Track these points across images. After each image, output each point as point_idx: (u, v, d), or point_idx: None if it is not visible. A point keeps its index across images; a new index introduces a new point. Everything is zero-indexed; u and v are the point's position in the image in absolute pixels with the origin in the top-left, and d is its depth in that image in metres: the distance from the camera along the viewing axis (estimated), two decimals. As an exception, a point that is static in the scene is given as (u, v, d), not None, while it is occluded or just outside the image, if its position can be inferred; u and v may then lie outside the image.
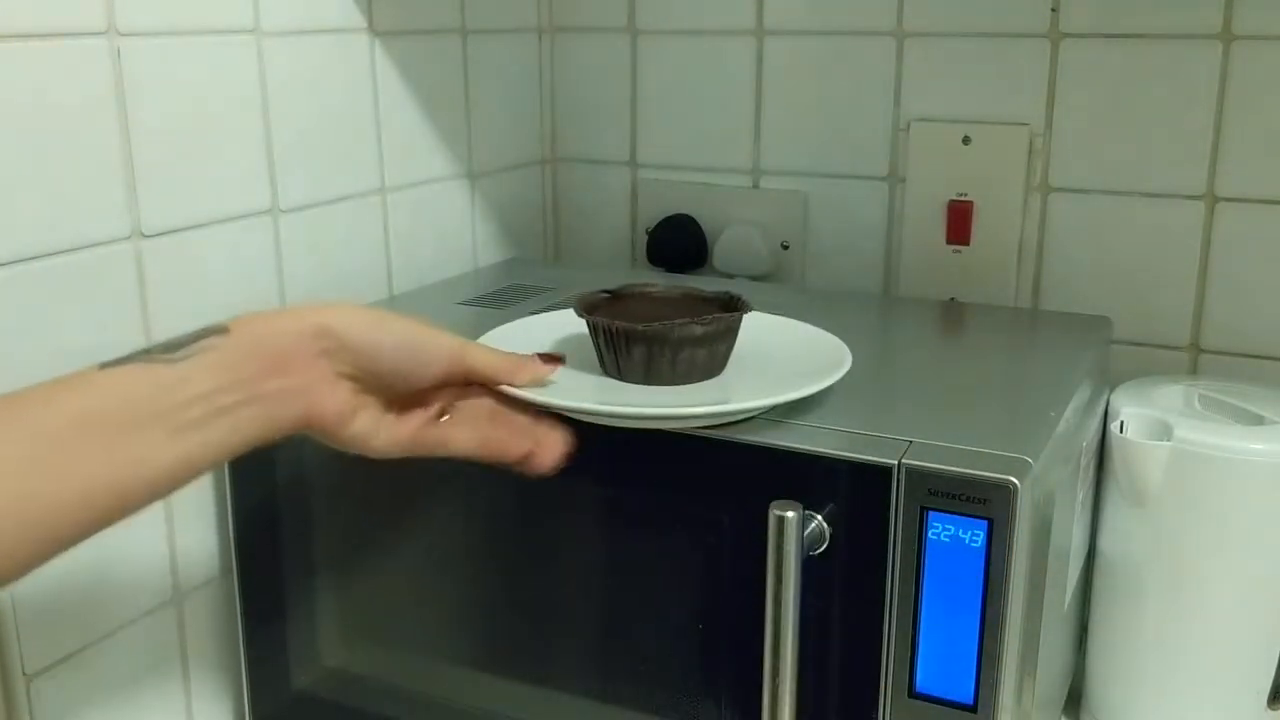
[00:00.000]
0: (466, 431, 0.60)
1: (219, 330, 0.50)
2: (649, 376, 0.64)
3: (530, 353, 0.63)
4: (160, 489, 0.48)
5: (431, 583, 0.74)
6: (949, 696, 0.57)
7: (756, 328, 0.72)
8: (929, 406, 0.66)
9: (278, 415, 0.51)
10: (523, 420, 0.61)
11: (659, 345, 0.64)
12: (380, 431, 0.56)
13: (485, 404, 0.61)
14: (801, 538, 0.56)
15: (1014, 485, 0.54)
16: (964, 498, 0.55)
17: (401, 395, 0.57)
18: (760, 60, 1.02)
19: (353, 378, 0.54)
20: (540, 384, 0.62)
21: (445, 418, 0.60)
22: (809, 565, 0.57)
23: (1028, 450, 0.57)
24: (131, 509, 0.48)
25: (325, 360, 0.53)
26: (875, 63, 0.97)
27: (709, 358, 0.65)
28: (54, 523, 0.46)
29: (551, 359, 0.63)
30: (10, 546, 0.44)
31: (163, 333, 0.73)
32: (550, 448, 0.61)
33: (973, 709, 0.57)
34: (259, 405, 0.50)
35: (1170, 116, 0.88)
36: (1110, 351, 0.87)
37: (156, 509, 0.76)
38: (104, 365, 0.48)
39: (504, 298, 0.89)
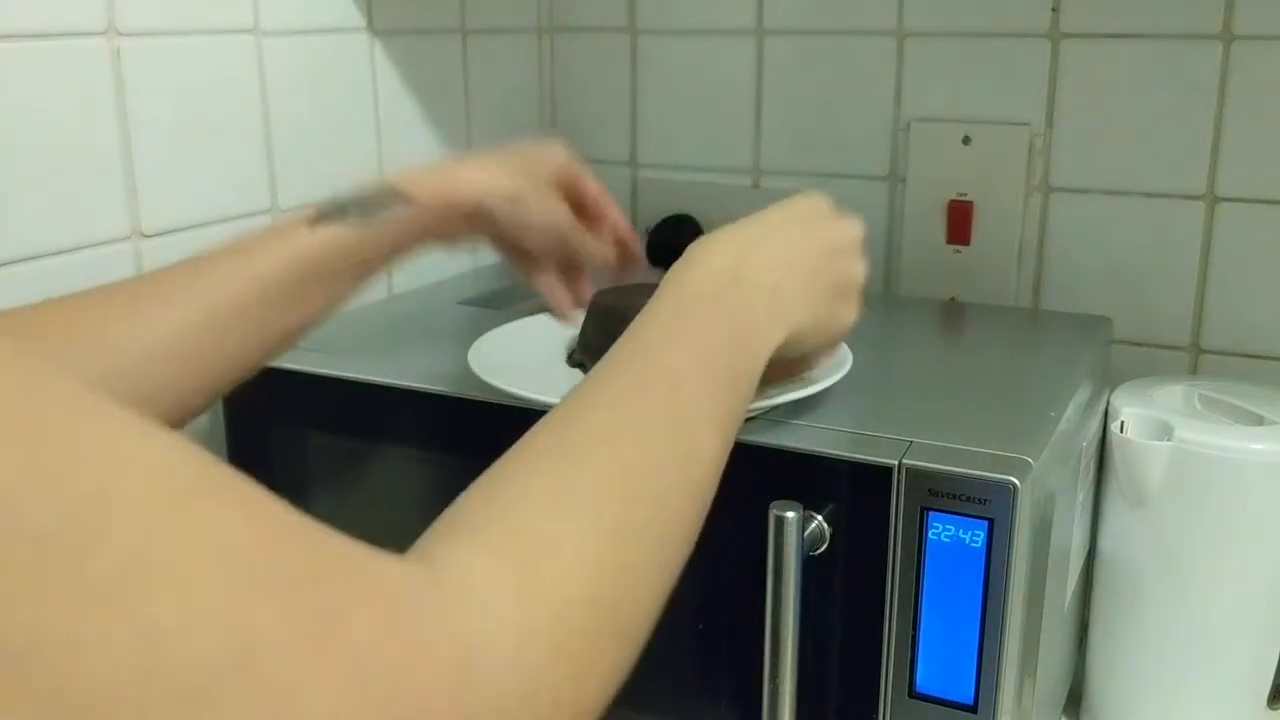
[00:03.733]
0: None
1: (406, 199, 0.62)
2: None
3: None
4: (338, 309, 0.63)
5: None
6: (949, 696, 0.57)
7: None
8: (929, 407, 0.66)
9: (436, 246, 0.67)
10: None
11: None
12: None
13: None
14: (801, 538, 0.56)
15: (1014, 485, 0.54)
16: (964, 498, 0.55)
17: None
18: (760, 60, 1.02)
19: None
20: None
21: None
22: (809, 565, 0.57)
23: (1028, 450, 0.57)
24: (308, 331, 0.62)
25: (471, 225, 0.67)
26: (875, 63, 0.97)
27: None
28: (271, 346, 0.59)
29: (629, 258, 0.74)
30: (244, 360, 0.58)
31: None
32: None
33: (973, 709, 0.57)
34: (423, 248, 0.66)
35: (1170, 116, 0.88)
36: (1110, 351, 0.87)
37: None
38: (312, 223, 0.59)
39: (504, 298, 0.89)
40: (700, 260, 0.54)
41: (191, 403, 0.57)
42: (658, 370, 0.47)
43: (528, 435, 0.42)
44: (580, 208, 0.71)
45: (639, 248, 0.75)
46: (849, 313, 0.60)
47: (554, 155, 0.70)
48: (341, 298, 0.62)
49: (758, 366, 0.51)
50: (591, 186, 0.71)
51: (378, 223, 0.61)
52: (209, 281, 0.57)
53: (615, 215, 0.73)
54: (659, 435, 0.44)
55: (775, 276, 0.54)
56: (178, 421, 0.58)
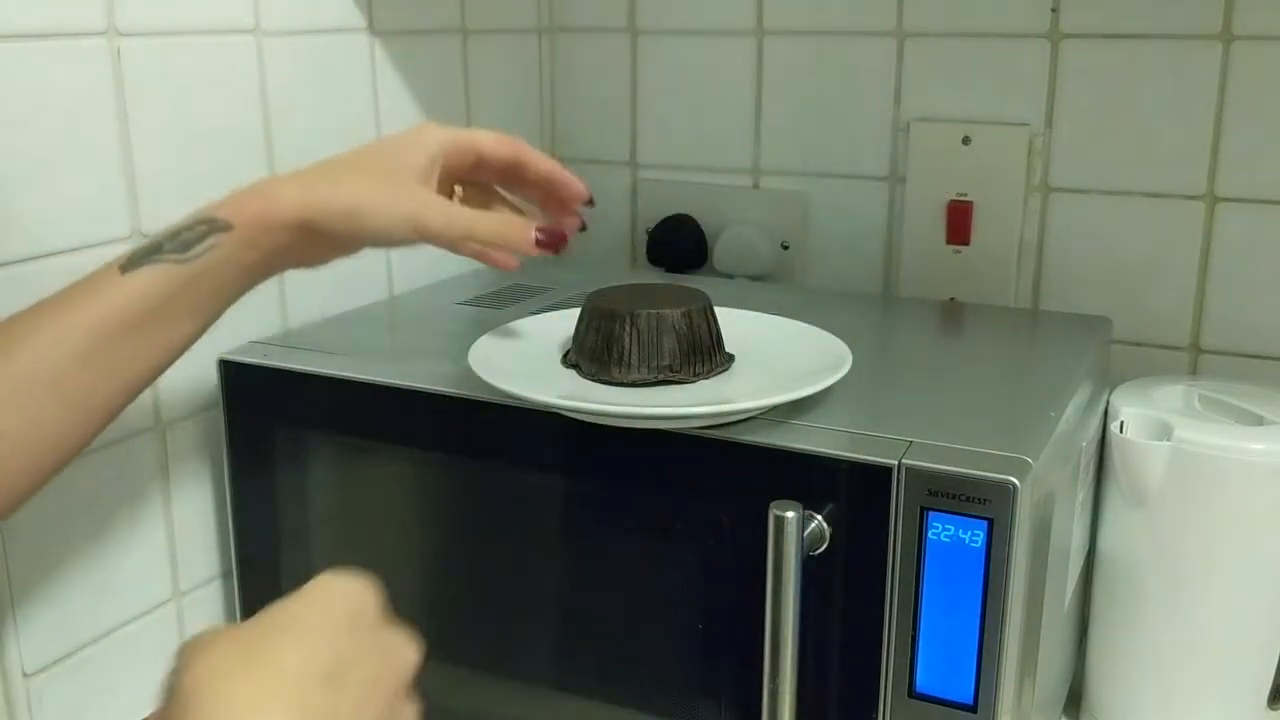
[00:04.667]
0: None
1: (222, 228, 0.57)
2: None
3: (532, 227, 0.63)
4: (186, 348, 0.59)
5: (431, 583, 0.74)
6: (949, 696, 0.57)
7: (756, 328, 0.72)
8: (929, 406, 0.66)
9: (281, 268, 0.61)
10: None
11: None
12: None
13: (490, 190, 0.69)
14: (801, 538, 0.56)
15: (1014, 485, 0.54)
16: (964, 498, 0.55)
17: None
18: (760, 60, 1.02)
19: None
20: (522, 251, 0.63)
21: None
22: (809, 565, 0.57)
23: (1028, 450, 0.57)
24: (163, 371, 0.58)
25: (313, 244, 0.61)
26: (875, 63, 0.97)
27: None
28: (103, 406, 0.56)
29: (553, 239, 0.63)
30: (63, 432, 0.54)
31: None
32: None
33: (973, 709, 0.57)
34: (265, 273, 0.60)
35: (1170, 116, 0.88)
36: (1110, 351, 0.87)
37: (156, 509, 0.76)
38: (124, 268, 0.55)
39: (504, 298, 0.89)
40: None
41: (39, 469, 0.54)
42: None
43: None
44: (511, 175, 0.66)
45: (576, 185, 0.67)
46: None
47: (426, 141, 0.62)
48: (184, 337, 0.58)
49: None
50: (492, 152, 0.64)
51: (196, 255, 0.56)
52: (27, 351, 0.53)
53: (535, 162, 0.65)
54: None
55: None
56: (34, 486, 0.54)
